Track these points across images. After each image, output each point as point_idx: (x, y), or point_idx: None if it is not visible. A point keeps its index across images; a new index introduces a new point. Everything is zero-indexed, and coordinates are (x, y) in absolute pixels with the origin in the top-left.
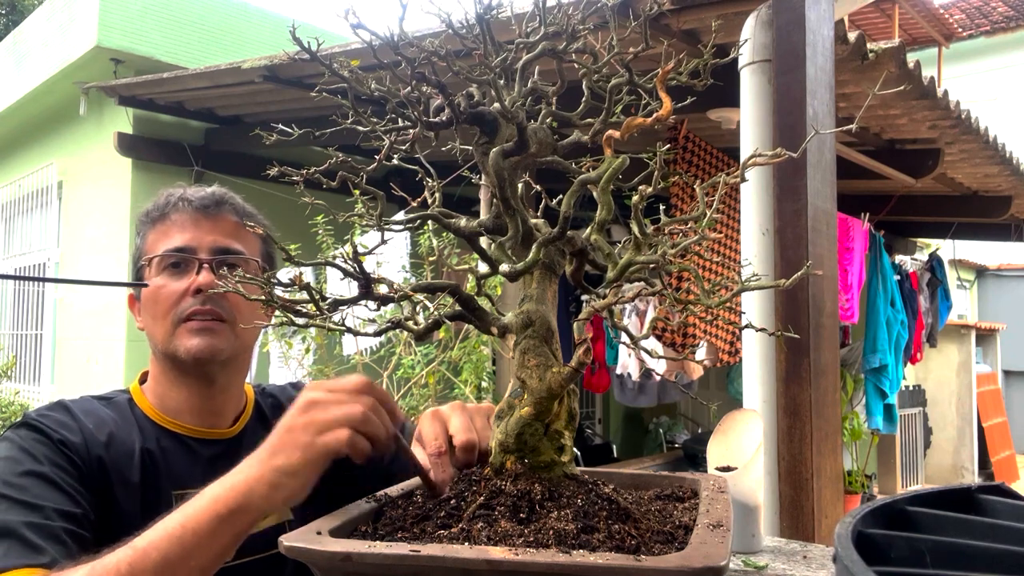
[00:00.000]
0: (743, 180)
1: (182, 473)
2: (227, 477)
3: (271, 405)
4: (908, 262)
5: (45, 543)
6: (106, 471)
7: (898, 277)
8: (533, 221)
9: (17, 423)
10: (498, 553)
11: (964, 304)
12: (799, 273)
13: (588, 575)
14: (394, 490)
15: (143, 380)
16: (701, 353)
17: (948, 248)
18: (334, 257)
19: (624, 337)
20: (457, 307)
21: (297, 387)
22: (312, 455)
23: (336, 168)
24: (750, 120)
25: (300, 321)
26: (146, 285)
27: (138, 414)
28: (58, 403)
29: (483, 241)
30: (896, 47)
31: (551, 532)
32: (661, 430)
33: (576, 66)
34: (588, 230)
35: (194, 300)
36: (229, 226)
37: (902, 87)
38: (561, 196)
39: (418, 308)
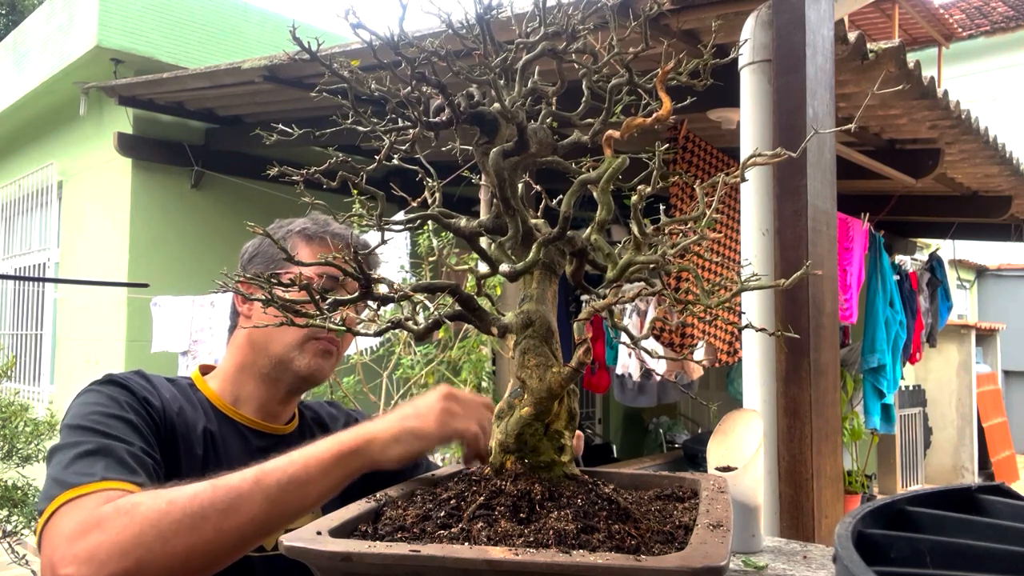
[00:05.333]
0: (743, 180)
1: (235, 456)
2: (355, 427)
3: (312, 418)
4: (908, 262)
5: (139, 468)
6: (176, 438)
7: (898, 277)
8: (533, 221)
9: (102, 380)
10: (498, 553)
11: (964, 304)
12: (799, 273)
13: (588, 575)
14: (394, 490)
15: (204, 372)
16: (700, 353)
17: (948, 248)
18: (334, 257)
19: (624, 337)
20: (457, 307)
21: (334, 405)
22: (443, 430)
23: (336, 168)
24: (750, 120)
25: (300, 321)
26: (146, 285)
27: (200, 397)
28: (137, 371)
29: (483, 241)
30: (896, 47)
31: (551, 532)
32: (661, 430)
33: (576, 66)
34: (588, 230)
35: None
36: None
37: (901, 86)
38: (561, 196)
39: (418, 308)
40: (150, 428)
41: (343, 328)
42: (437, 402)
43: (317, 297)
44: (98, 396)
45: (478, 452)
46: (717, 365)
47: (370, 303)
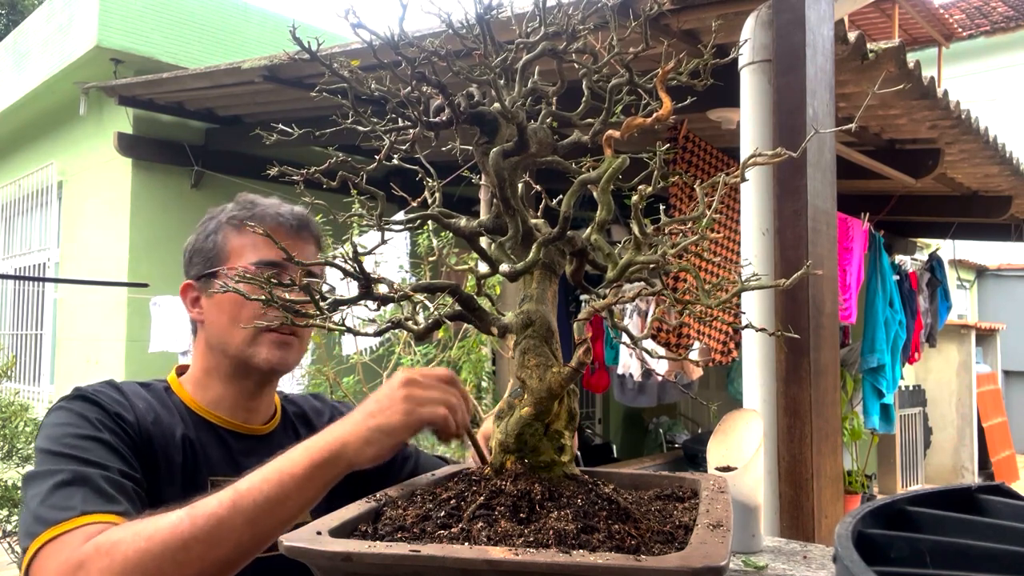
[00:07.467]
0: (743, 180)
1: (216, 461)
2: (322, 433)
3: (295, 413)
4: (908, 262)
5: (118, 494)
6: (154, 450)
7: (897, 277)
8: (533, 221)
9: (71, 395)
10: (498, 553)
11: (964, 304)
12: (799, 273)
13: (588, 575)
14: (394, 490)
15: (180, 373)
16: (695, 354)
17: (948, 248)
18: (334, 257)
19: (624, 337)
20: (457, 307)
21: (318, 397)
22: (411, 420)
23: (336, 168)
24: (750, 120)
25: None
26: (146, 285)
27: (176, 401)
28: (108, 382)
29: (483, 241)
30: (896, 47)
31: (551, 532)
32: (661, 430)
33: (576, 66)
34: (588, 230)
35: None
36: (310, 250)
37: (901, 86)
38: (561, 196)
39: (418, 308)
40: (125, 444)
41: (343, 328)
42: (398, 390)
43: (317, 297)
44: (69, 415)
45: (449, 433)
46: (712, 365)
47: (368, 302)
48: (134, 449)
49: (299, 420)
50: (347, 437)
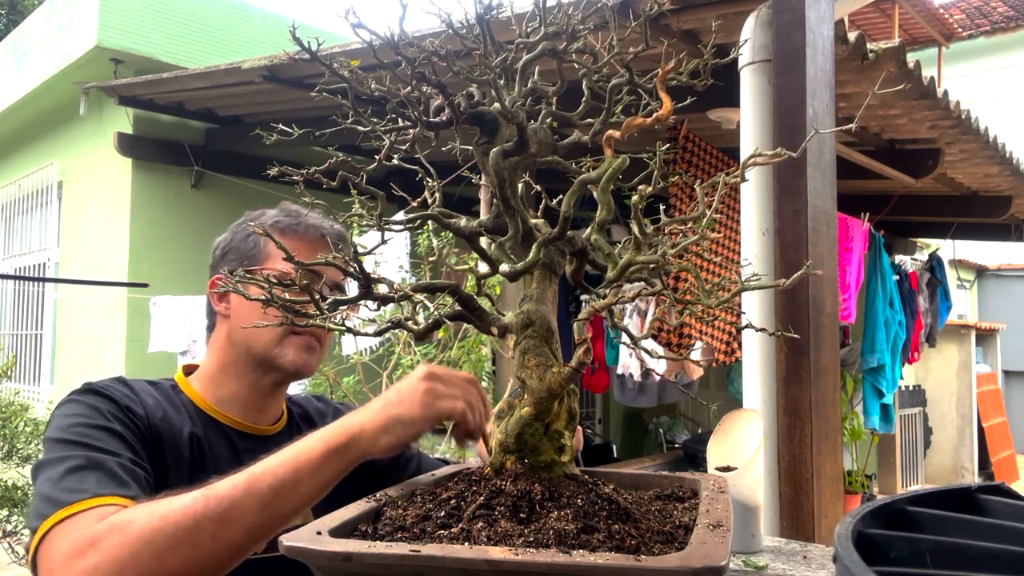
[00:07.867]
0: (743, 180)
1: (222, 459)
2: (340, 420)
3: (299, 414)
4: (908, 262)
5: (131, 480)
6: (162, 445)
7: (897, 277)
8: (533, 221)
9: (82, 389)
10: (498, 553)
11: (964, 304)
12: (799, 273)
13: (588, 575)
14: (394, 490)
15: (187, 373)
16: (697, 354)
17: (948, 248)
18: (334, 257)
19: (624, 337)
20: (457, 307)
21: (321, 399)
22: (430, 412)
23: (336, 168)
24: (750, 120)
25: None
26: (146, 285)
27: (184, 399)
28: (117, 378)
29: (483, 241)
30: (896, 47)
31: (551, 532)
32: (661, 430)
33: (576, 66)
34: (588, 230)
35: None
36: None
37: (901, 86)
38: (561, 196)
39: (418, 308)
40: (136, 437)
41: (344, 328)
42: (419, 383)
43: (317, 297)
44: (80, 407)
45: (468, 430)
46: (715, 365)
47: (368, 303)
48: (143, 442)
49: (304, 421)
50: (364, 424)
